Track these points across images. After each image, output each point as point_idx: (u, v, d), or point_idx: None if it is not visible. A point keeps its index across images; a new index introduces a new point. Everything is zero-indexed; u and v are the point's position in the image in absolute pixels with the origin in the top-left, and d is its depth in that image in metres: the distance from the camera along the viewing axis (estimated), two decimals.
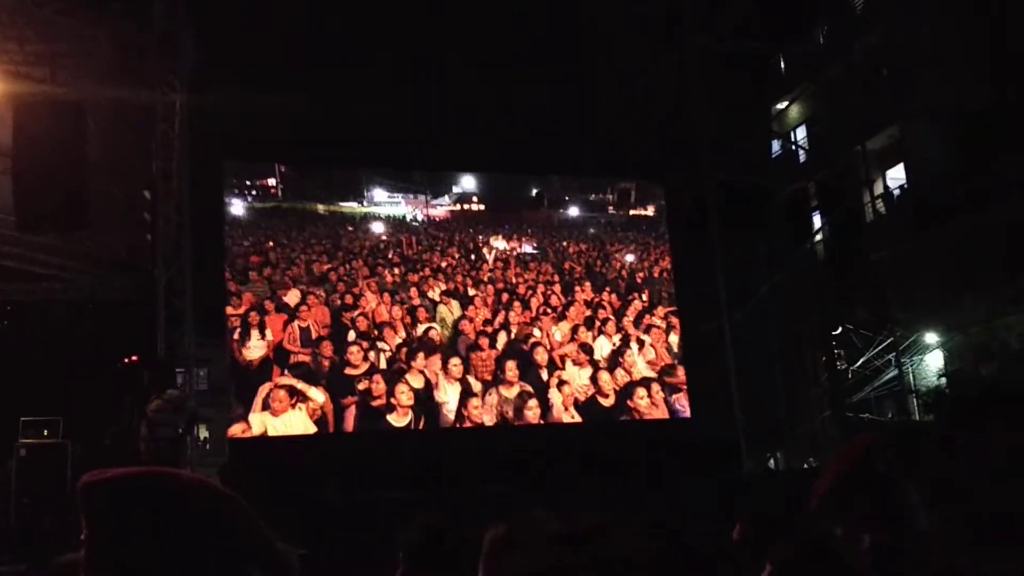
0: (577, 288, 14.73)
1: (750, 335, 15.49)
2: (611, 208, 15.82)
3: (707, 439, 13.55)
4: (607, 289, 14.84)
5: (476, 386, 13.49)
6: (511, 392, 13.51)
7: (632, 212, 15.86)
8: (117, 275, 14.97)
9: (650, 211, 15.86)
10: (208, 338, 13.53)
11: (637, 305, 14.77)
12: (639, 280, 15.14)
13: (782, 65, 19.64)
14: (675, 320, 14.85)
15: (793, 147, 19.83)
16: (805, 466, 16.41)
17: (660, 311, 14.86)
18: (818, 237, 17.24)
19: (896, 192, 18.48)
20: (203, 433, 12.40)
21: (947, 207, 15.69)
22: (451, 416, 13.24)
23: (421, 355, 13.38)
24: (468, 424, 13.26)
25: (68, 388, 13.92)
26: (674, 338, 14.72)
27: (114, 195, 12.84)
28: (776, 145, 19.75)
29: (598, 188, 15.84)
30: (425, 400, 13.19)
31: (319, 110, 12.98)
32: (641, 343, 14.43)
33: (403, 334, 13.60)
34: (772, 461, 16.93)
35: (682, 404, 14.31)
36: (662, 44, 15.57)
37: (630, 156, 15.30)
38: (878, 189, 18.36)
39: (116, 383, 12.69)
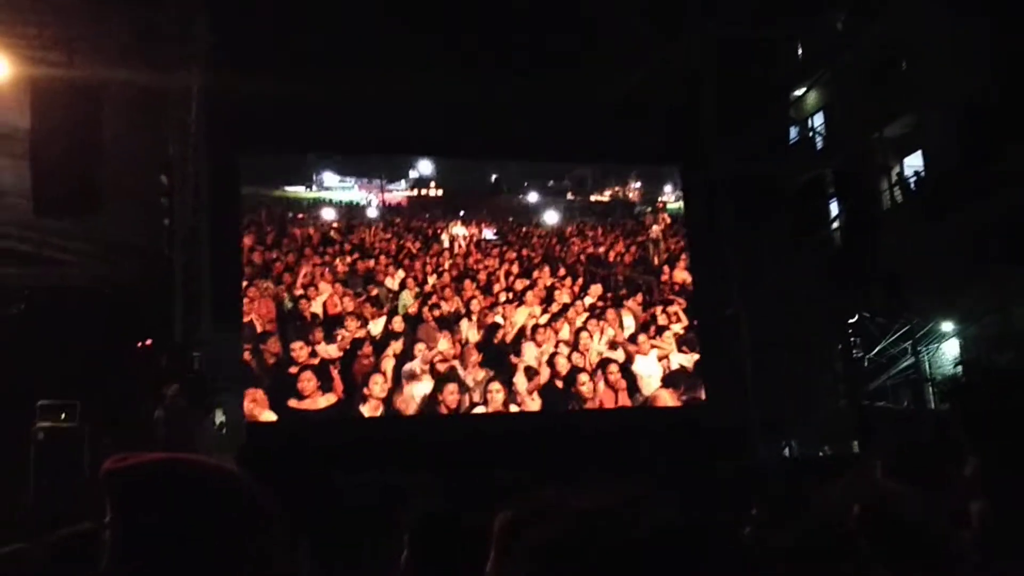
0: (536, 273, 14.60)
1: (764, 322, 15.44)
2: (569, 194, 15.63)
3: (720, 426, 13.54)
4: (565, 273, 14.72)
5: (444, 372, 13.44)
6: (478, 376, 13.49)
7: (590, 199, 15.68)
8: (133, 259, 15.02)
9: (606, 196, 15.69)
10: (224, 323, 13.58)
11: (596, 289, 14.64)
12: (597, 265, 15.01)
13: (799, 51, 19.52)
14: (635, 304, 14.65)
15: (810, 134, 19.71)
16: (820, 454, 16.38)
17: (623, 294, 14.69)
18: (834, 224, 17.17)
19: (913, 179, 18.35)
20: (219, 417, 12.46)
21: (964, 194, 15.58)
22: (420, 404, 13.17)
23: (390, 347, 13.27)
24: (443, 410, 13.17)
25: (85, 372, 14.00)
26: (629, 321, 14.55)
27: (130, 180, 12.87)
28: (793, 132, 19.65)
29: (556, 174, 15.69)
30: (395, 390, 13.12)
31: (333, 97, 12.97)
32: (600, 327, 14.30)
33: (357, 324, 13.35)
34: (786, 449, 16.89)
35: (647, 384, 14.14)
36: (676, 28, 15.46)
37: (645, 142, 15.24)
38: (895, 176, 18.24)
39: (133, 367, 12.78)
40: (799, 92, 18.97)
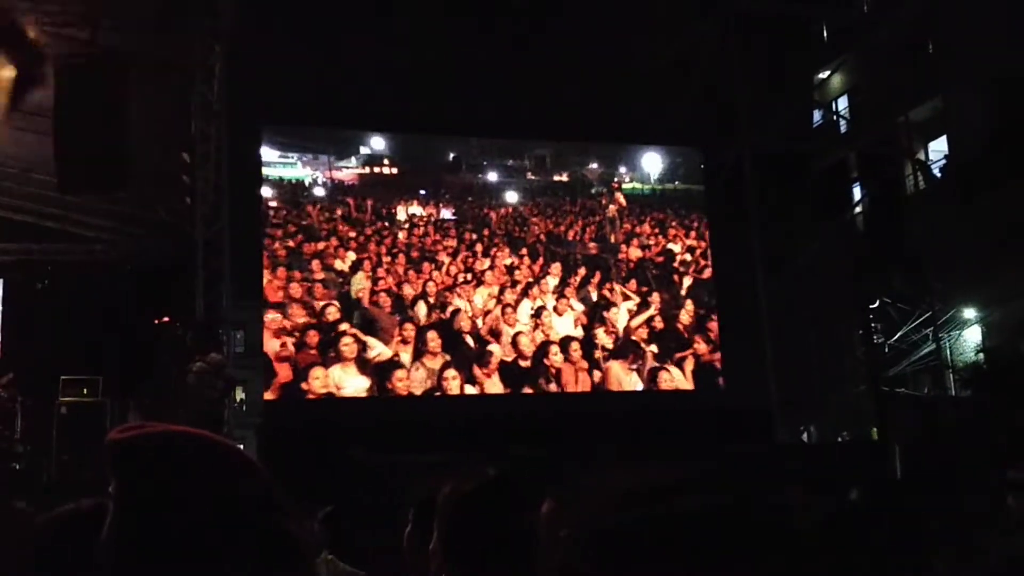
0: (496, 253, 14.28)
1: (785, 306, 15.38)
2: (529, 174, 15.41)
3: (739, 410, 13.51)
4: (525, 253, 14.42)
5: (404, 358, 12.98)
6: (435, 363, 13.06)
7: (551, 178, 15.48)
8: (156, 236, 15.12)
9: (565, 176, 15.51)
10: (244, 300, 13.65)
11: (557, 268, 14.44)
12: (557, 244, 14.76)
13: (824, 34, 19.36)
14: (595, 280, 14.55)
15: (834, 117, 19.57)
16: (839, 439, 16.35)
17: (581, 271, 14.52)
18: (857, 208, 17.05)
19: (939, 164, 18.22)
20: (239, 395, 12.51)
21: (989, 179, 15.45)
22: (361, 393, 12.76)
23: (338, 336, 12.76)
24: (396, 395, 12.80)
25: (107, 348, 14.12)
26: (594, 294, 14.41)
27: (154, 157, 12.92)
28: (817, 115, 19.51)
29: (516, 153, 15.31)
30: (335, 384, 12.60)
31: (358, 73, 12.94)
32: (564, 305, 14.17)
33: (303, 312, 12.75)
34: (805, 434, 16.87)
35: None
36: (701, 6, 15.33)
37: (667, 122, 15.17)
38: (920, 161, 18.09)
39: (155, 343, 12.86)
40: (824, 75, 18.83)
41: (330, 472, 9.64)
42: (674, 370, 14.24)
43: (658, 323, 14.49)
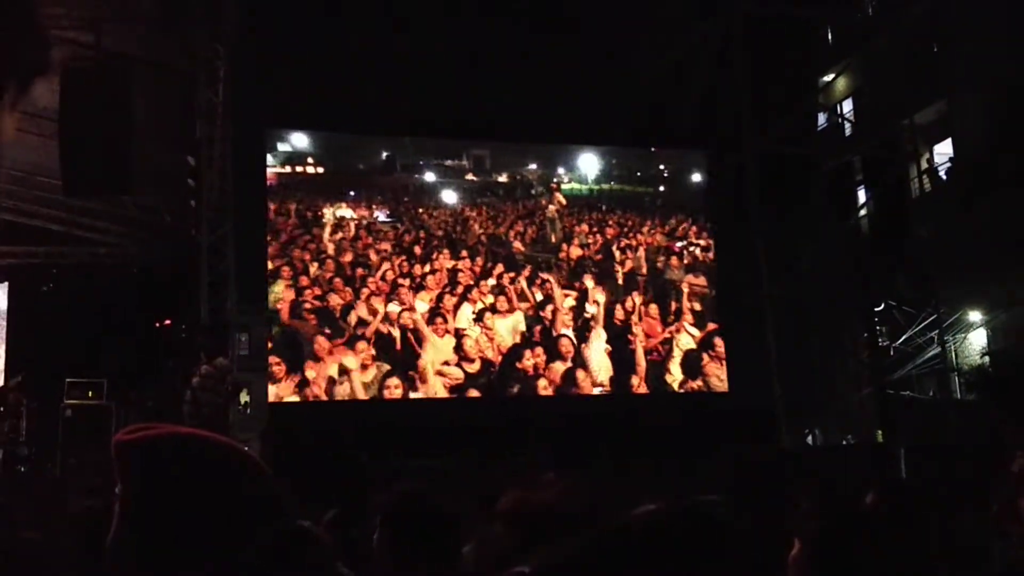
0: (436, 255, 14.05)
1: (789, 309, 15.35)
2: (469, 175, 15.20)
3: (743, 413, 13.49)
4: (466, 255, 14.24)
5: (332, 372, 12.69)
6: (367, 376, 12.82)
7: (492, 178, 15.26)
8: (160, 239, 15.15)
9: (504, 177, 15.43)
10: (248, 303, 13.66)
11: (498, 269, 14.31)
12: (498, 245, 14.64)
13: (829, 37, 19.34)
14: (537, 281, 14.48)
15: (839, 120, 19.54)
16: (844, 443, 16.32)
17: (525, 273, 14.41)
18: (863, 212, 17.02)
19: (944, 167, 18.18)
20: (244, 398, 12.48)
21: (994, 182, 15.41)
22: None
23: None
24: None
25: (112, 350, 14.16)
26: (540, 296, 14.33)
27: (158, 160, 12.95)
28: (822, 118, 19.49)
29: (454, 153, 15.06)
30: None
31: (364, 75, 12.95)
32: (506, 306, 14.05)
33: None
34: (810, 437, 16.84)
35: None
36: (705, 8, 15.30)
37: (671, 125, 15.18)
38: (925, 164, 18.06)
39: (159, 346, 12.87)
40: (828, 78, 18.81)
41: (333, 475, 9.64)
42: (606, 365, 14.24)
43: (599, 319, 14.46)
